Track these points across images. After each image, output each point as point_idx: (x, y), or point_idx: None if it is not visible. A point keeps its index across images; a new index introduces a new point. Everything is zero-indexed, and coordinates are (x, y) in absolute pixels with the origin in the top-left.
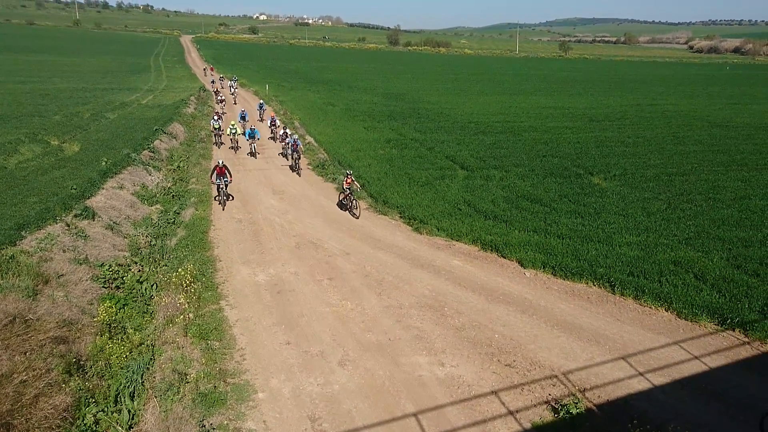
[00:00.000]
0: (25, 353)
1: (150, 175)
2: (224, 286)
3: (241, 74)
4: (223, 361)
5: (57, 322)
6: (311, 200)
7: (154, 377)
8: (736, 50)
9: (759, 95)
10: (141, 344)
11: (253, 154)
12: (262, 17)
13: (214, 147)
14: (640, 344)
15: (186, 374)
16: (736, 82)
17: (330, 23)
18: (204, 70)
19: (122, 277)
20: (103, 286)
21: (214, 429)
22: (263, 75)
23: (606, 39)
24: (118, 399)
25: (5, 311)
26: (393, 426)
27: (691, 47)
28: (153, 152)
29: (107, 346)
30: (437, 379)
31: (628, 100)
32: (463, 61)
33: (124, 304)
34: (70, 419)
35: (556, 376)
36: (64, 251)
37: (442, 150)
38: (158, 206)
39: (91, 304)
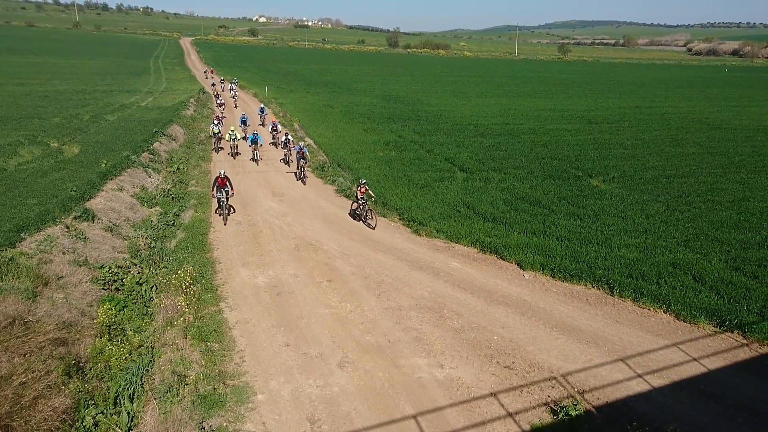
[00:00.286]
0: (24, 355)
1: (149, 177)
2: (224, 288)
3: (241, 76)
4: (222, 363)
5: (56, 324)
6: (311, 202)
7: (154, 379)
8: (735, 52)
9: (757, 97)
10: (140, 346)
11: (255, 160)
12: (261, 19)
13: (213, 153)
14: (638, 346)
15: (185, 376)
16: (735, 85)
17: (329, 25)
18: (205, 72)
19: (122, 279)
20: (102, 288)
21: (213, 431)
22: (263, 77)
23: (605, 41)
24: (118, 401)
25: (5, 313)
26: (392, 428)
27: (689, 49)
28: (152, 154)
29: (107, 348)
30: (436, 380)
31: (626, 103)
32: (463, 64)
33: (123, 306)
34: (70, 421)
35: (555, 378)
36: (63, 253)
37: (441, 152)
38: (158, 208)
39: (91, 305)
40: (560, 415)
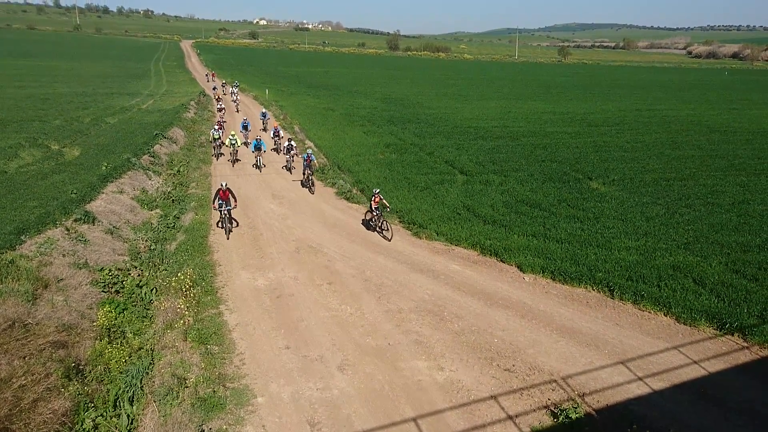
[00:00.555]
0: (24, 358)
1: (150, 179)
2: (224, 290)
3: (241, 79)
4: (222, 366)
5: (56, 327)
6: (311, 205)
7: (154, 382)
8: (735, 55)
9: (757, 100)
10: (140, 349)
11: (258, 166)
12: (262, 22)
13: (213, 158)
14: (639, 349)
15: (185, 379)
16: (735, 88)
17: (330, 28)
18: (206, 75)
19: (122, 282)
20: (102, 291)
21: None
22: (263, 80)
23: (605, 44)
24: (117, 404)
25: (4, 316)
26: (392, 431)
27: (689, 52)
28: (153, 157)
29: (106, 351)
30: (436, 383)
31: (626, 105)
32: (463, 66)
33: (123, 309)
34: (69, 424)
35: (555, 381)
36: (63, 255)
37: (441, 155)
38: (158, 211)
39: (91, 308)
40: (560, 418)
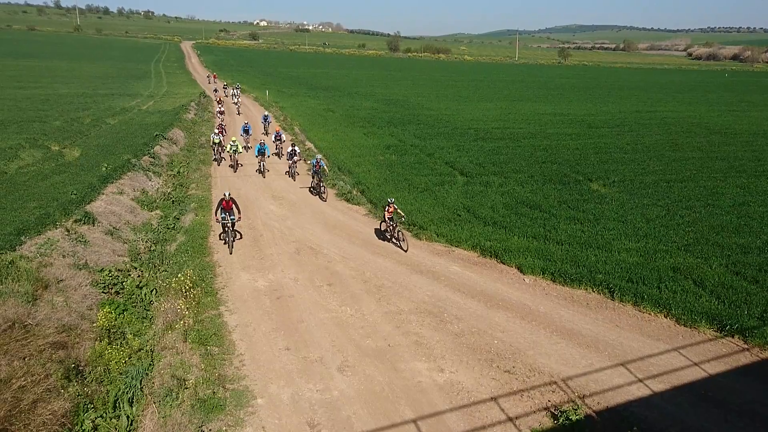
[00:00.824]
0: (23, 358)
1: (150, 180)
2: (224, 291)
3: (242, 80)
4: (222, 367)
5: (56, 328)
6: (311, 206)
7: (153, 383)
8: (735, 57)
9: (757, 102)
10: (140, 350)
11: (261, 172)
12: (262, 23)
13: (214, 163)
14: (639, 350)
15: (185, 380)
16: (735, 89)
17: (330, 29)
18: (207, 77)
19: (122, 283)
20: (102, 292)
21: None
22: (263, 81)
23: (605, 46)
24: (117, 405)
25: (4, 316)
26: None
27: (689, 54)
28: (153, 158)
29: (106, 352)
30: (436, 385)
31: (627, 107)
32: (463, 68)
33: (123, 310)
34: (69, 425)
35: (555, 383)
36: (63, 256)
37: (441, 156)
38: (158, 212)
39: (91, 309)
40: (561, 420)
